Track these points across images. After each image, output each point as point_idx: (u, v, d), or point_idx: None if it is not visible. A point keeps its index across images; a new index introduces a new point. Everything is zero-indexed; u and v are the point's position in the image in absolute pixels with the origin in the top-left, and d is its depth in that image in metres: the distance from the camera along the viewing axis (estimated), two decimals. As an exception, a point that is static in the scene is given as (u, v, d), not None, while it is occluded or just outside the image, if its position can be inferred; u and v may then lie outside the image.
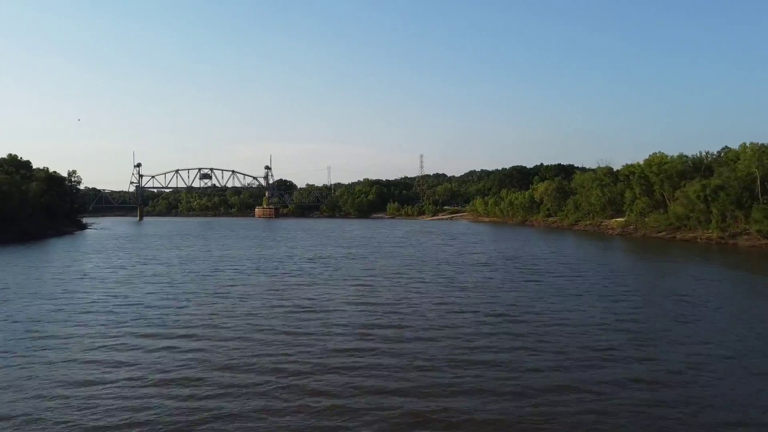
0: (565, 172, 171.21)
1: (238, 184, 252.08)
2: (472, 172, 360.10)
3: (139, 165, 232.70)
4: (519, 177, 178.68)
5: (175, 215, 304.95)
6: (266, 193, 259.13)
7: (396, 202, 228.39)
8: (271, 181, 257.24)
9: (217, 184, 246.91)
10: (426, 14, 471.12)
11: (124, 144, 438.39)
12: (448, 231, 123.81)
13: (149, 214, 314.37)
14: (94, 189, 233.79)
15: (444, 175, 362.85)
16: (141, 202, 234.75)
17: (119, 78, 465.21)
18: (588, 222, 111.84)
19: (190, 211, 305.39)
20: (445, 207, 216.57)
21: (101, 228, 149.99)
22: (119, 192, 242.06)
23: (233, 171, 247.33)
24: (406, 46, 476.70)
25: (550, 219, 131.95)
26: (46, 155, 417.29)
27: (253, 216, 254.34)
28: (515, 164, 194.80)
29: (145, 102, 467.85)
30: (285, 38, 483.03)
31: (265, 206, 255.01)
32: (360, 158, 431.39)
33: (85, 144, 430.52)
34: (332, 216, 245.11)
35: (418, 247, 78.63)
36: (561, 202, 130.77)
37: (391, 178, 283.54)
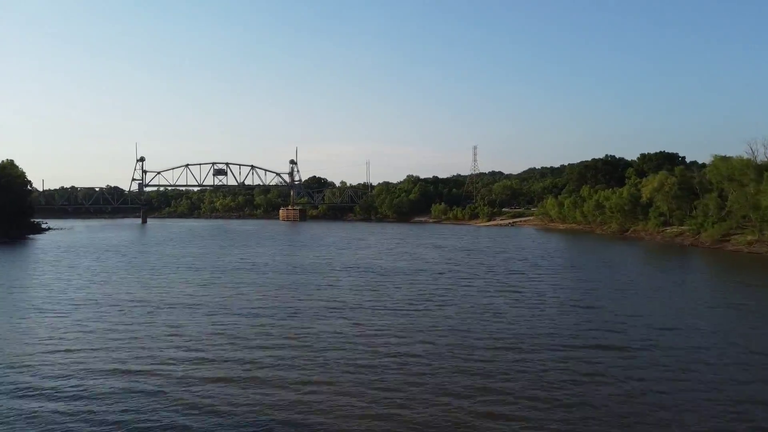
0: (671, 161, 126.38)
1: (258, 182, 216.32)
2: (531, 170, 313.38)
3: (142, 159, 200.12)
4: (607, 170, 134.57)
5: (198, 217, 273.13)
6: (291, 192, 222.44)
7: (443, 203, 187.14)
8: (297, 178, 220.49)
9: (234, 182, 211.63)
10: (477, 8, 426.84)
11: (125, 137, 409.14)
12: (512, 247, 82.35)
13: (170, 215, 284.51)
14: (90, 188, 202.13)
15: (500, 173, 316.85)
16: (144, 202, 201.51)
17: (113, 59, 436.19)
18: (751, 237, 68.27)
19: (213, 212, 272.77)
20: (503, 209, 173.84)
21: (67, 230, 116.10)
22: (119, 190, 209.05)
23: (252, 166, 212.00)
24: (455, 41, 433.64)
25: (669, 230, 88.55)
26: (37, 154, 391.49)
27: (279, 218, 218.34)
28: (573, 161, 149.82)
29: (145, 90, 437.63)
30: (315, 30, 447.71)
31: (289, 207, 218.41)
32: (406, 158, 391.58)
33: (78, 139, 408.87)
34: (367, 219, 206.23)
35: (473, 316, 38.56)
36: (685, 203, 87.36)
37: (442, 176, 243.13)
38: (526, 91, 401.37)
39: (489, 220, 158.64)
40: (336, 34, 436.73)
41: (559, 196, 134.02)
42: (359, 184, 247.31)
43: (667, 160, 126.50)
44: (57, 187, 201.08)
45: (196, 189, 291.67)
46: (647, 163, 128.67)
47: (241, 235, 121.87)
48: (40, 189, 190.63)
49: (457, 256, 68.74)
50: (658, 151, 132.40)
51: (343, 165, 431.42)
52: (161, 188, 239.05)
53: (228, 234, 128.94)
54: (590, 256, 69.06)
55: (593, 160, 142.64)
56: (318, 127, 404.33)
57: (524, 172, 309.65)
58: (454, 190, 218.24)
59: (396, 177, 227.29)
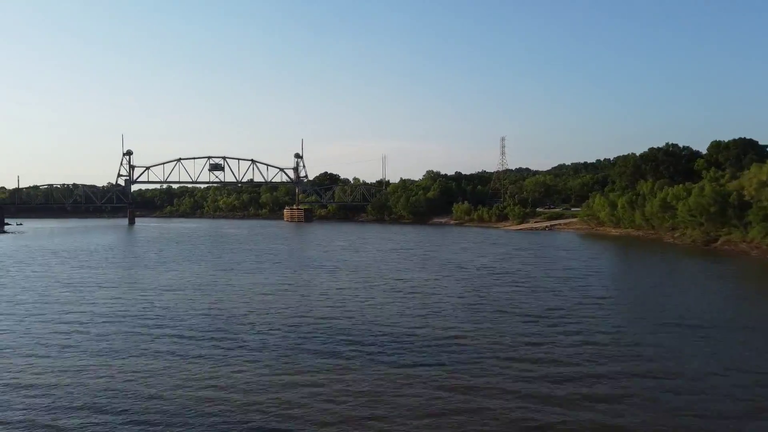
0: (754, 150, 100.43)
1: (259, 178, 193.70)
2: (561, 166, 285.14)
3: (129, 153, 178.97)
4: (670, 161, 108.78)
5: (200, 216, 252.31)
6: (297, 190, 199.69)
7: (466, 202, 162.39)
8: (303, 174, 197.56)
9: (232, 178, 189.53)
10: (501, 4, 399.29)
11: (111, 128, 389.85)
12: (563, 268, 58.14)
13: (173, 214, 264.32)
14: (72, 185, 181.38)
15: (527, 170, 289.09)
16: (131, 201, 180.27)
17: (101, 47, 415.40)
18: None
19: (217, 212, 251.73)
20: (537, 209, 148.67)
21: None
22: (104, 188, 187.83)
23: (252, 160, 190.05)
24: (478, 36, 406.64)
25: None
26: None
27: (283, 219, 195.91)
28: (610, 155, 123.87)
29: (132, 80, 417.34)
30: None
31: (295, 207, 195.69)
32: (427, 154, 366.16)
33: (62, 131, 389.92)
34: (380, 220, 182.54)
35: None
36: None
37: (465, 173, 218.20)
38: (552, 85, 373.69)
39: (521, 223, 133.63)
40: (355, 29, 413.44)
41: (610, 194, 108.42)
42: (375, 181, 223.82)
43: (749, 148, 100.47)
44: (32, 185, 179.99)
45: (189, 186, 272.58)
46: (722, 152, 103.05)
47: (220, 243, 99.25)
48: (13, 186, 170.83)
49: (489, 290, 44.70)
50: (734, 138, 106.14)
51: (359, 162, 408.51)
52: (150, 185, 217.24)
53: (211, 240, 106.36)
54: (713, 291, 44.43)
55: (651, 149, 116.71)
56: (331, 122, 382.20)
57: (554, 168, 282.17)
58: (479, 187, 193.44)
59: (417, 175, 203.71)
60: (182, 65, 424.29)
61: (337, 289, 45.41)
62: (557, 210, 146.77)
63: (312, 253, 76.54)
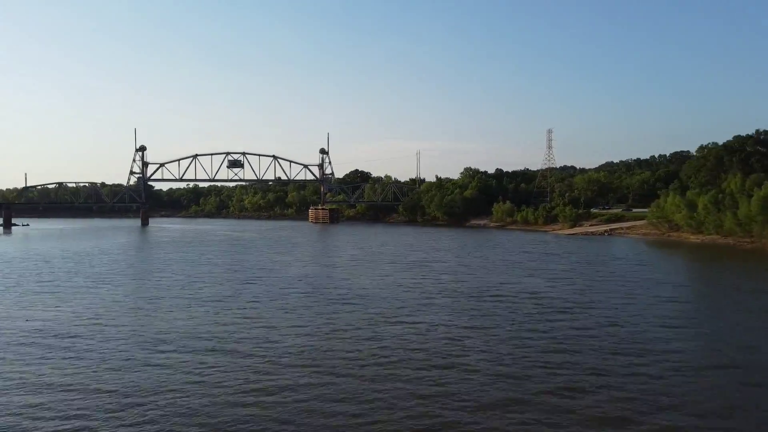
0: None
1: (280, 175, 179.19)
2: (609, 164, 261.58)
3: (142, 149, 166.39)
4: (763, 152, 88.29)
5: (226, 216, 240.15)
6: (322, 189, 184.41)
7: (507, 201, 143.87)
8: (328, 171, 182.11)
9: (253, 175, 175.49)
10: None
11: (125, 123, 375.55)
12: (653, 299, 39.73)
13: (198, 214, 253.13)
14: (87, 183, 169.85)
15: (573, 168, 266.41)
16: (144, 200, 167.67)
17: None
18: None
19: (242, 212, 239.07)
20: (592, 209, 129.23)
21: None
22: (114, 186, 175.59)
23: (274, 156, 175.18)
24: (520, 33, 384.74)
25: None
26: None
27: (308, 220, 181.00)
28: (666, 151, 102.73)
29: (147, 71, 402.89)
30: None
31: (320, 207, 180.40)
32: (465, 154, 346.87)
33: (73, 126, 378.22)
34: (412, 221, 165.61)
35: None
36: None
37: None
38: (597, 80, 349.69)
39: (573, 226, 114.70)
40: (390, 27, 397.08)
41: (688, 193, 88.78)
42: (408, 180, 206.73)
43: None
44: (40, 184, 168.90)
45: (218, 184, 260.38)
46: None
47: (256, 250, 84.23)
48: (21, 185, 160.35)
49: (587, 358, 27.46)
50: None
51: (394, 160, 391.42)
52: (166, 183, 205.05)
53: (201, 246, 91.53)
54: None
55: (738, 138, 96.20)
56: (363, 122, 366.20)
57: (601, 166, 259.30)
58: (522, 185, 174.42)
59: (455, 175, 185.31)
60: (200, 59, 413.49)
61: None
62: (615, 211, 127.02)
63: (294, 271, 60.28)
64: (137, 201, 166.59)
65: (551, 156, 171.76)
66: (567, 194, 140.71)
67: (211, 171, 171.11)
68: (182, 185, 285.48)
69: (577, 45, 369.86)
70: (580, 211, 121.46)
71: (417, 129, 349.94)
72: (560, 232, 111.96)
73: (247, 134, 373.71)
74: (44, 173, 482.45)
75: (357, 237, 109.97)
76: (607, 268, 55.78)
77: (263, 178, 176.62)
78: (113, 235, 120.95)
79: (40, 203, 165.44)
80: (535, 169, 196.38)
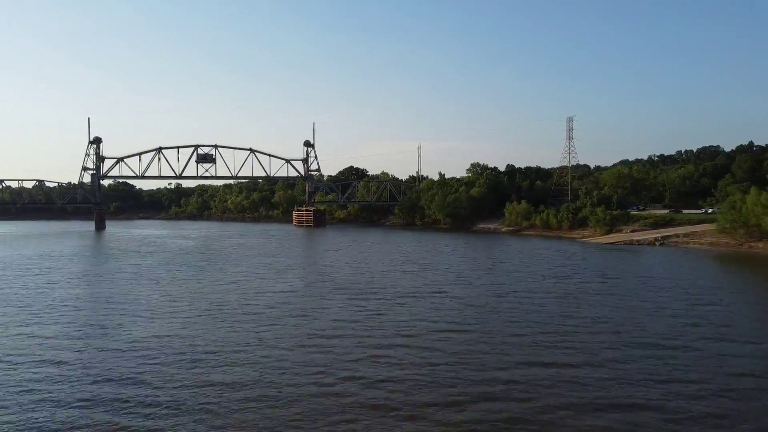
0: None
1: (259, 172, 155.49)
2: (624, 162, 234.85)
3: (96, 141, 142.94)
4: None
5: (208, 218, 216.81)
6: (306, 187, 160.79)
7: (523, 201, 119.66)
8: (314, 167, 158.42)
9: (226, 171, 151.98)
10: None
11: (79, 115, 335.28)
12: None
13: (179, 216, 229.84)
14: (38, 181, 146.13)
15: (586, 166, 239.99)
16: (98, 200, 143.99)
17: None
18: None
19: (225, 213, 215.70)
20: (629, 211, 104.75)
21: None
22: (61, 185, 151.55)
23: (251, 150, 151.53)
24: (521, 28, 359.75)
25: None
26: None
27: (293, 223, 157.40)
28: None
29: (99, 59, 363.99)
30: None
31: (304, 208, 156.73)
32: (471, 154, 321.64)
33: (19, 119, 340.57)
34: (410, 224, 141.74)
35: None
36: None
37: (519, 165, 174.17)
38: (608, 77, 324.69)
39: (608, 232, 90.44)
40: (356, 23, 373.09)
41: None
42: (407, 177, 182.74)
43: None
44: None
45: (170, 183, 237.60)
46: None
47: (197, 269, 60.79)
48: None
49: None
50: None
51: (395, 154, 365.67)
52: (120, 180, 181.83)
53: (113, 261, 68.13)
54: None
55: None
56: (360, 121, 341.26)
57: (617, 164, 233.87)
58: (538, 182, 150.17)
59: (461, 174, 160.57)
60: (163, 36, 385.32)
61: None
62: (660, 212, 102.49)
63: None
64: (91, 201, 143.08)
65: (572, 148, 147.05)
66: (595, 192, 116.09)
67: (178, 167, 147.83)
68: (161, 184, 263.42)
69: (573, 43, 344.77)
70: (615, 213, 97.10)
71: (420, 129, 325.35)
72: (592, 239, 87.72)
73: (219, 125, 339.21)
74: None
75: (334, 246, 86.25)
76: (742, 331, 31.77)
77: (238, 174, 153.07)
78: (40, 242, 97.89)
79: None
80: (549, 167, 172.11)
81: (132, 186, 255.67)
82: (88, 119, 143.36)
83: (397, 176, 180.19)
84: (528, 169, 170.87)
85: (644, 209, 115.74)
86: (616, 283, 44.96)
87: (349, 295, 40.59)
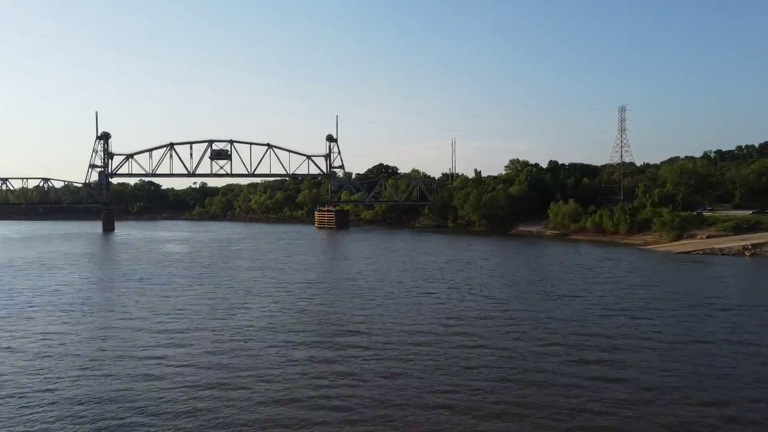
0: None
1: (278, 169, 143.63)
2: (674, 159, 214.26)
3: (105, 137, 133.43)
4: None
5: (231, 218, 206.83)
6: (329, 186, 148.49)
7: (570, 200, 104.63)
8: (337, 164, 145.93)
9: (243, 169, 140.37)
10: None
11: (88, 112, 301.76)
12: None
13: (203, 216, 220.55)
14: (44, 180, 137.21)
15: (633, 164, 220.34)
16: (107, 199, 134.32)
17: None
18: None
19: (249, 213, 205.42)
20: (701, 211, 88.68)
21: None
22: (69, 185, 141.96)
23: (269, 144, 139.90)
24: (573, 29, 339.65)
25: None
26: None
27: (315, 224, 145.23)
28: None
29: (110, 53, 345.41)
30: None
31: (326, 208, 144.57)
32: (510, 154, 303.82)
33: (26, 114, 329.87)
34: (441, 225, 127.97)
35: None
36: None
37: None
38: (651, 71, 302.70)
39: (678, 237, 75.00)
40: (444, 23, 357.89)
41: None
42: (442, 175, 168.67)
43: None
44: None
45: (196, 182, 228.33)
46: None
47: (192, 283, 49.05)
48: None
49: None
50: None
51: (427, 158, 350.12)
52: (133, 178, 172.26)
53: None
54: None
55: None
56: (394, 122, 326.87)
57: (665, 162, 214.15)
58: (585, 180, 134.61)
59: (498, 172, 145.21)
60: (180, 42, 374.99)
61: None
62: (738, 213, 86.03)
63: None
64: (98, 201, 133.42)
65: (625, 141, 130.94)
66: (656, 191, 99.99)
67: (191, 164, 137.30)
68: (189, 182, 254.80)
69: (615, 35, 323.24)
70: (684, 214, 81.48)
71: (456, 126, 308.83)
72: (659, 247, 72.47)
73: (234, 119, 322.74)
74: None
75: (350, 253, 73.45)
76: None
77: (255, 172, 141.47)
78: (44, 244, 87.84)
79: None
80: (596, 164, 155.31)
81: (158, 186, 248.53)
82: (96, 113, 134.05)
83: (428, 174, 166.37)
84: (573, 165, 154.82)
85: (712, 209, 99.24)
86: (741, 322, 30.67)
87: (334, 348, 27.50)
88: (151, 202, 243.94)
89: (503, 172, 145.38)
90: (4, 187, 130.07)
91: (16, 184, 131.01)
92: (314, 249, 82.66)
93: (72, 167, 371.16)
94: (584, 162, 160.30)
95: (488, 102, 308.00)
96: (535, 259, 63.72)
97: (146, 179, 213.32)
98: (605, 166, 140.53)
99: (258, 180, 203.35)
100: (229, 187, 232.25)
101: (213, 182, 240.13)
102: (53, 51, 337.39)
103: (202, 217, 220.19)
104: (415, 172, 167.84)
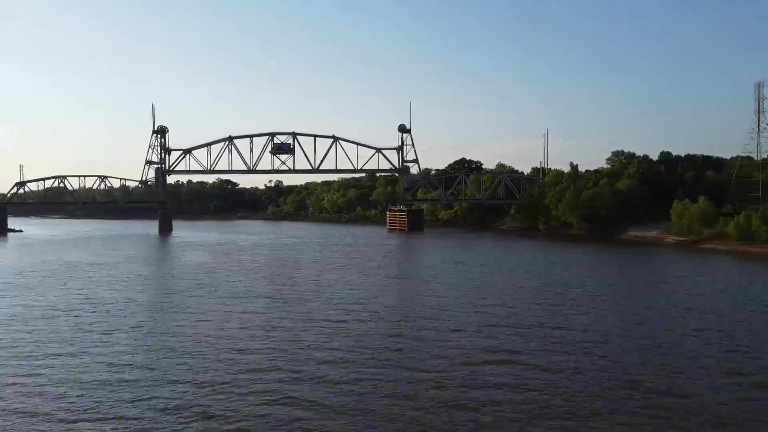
0: None
1: (345, 164, 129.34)
2: None
3: (162, 131, 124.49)
4: None
5: (304, 218, 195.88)
6: (402, 182, 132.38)
7: (701, 198, 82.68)
8: (411, 157, 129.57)
9: (307, 164, 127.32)
10: None
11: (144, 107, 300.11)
12: None
13: (275, 216, 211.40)
14: (101, 178, 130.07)
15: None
16: (163, 198, 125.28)
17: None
18: None
19: (322, 212, 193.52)
20: None
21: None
22: (124, 183, 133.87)
23: (334, 137, 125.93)
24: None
25: None
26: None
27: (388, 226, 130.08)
28: None
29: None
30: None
31: (398, 208, 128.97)
32: (608, 148, 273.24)
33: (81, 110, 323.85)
34: (531, 228, 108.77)
35: None
36: None
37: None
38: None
39: None
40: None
41: None
42: (532, 170, 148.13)
43: None
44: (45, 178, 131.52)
45: (271, 181, 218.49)
46: None
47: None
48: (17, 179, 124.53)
49: None
50: None
51: (513, 156, 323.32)
52: (190, 175, 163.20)
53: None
54: None
55: None
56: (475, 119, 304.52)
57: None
58: (708, 173, 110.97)
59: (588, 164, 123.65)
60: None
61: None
62: None
63: None
64: (157, 200, 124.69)
65: (763, 122, 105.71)
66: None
67: (251, 158, 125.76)
68: (264, 180, 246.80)
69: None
70: None
71: (547, 119, 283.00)
72: None
73: (296, 109, 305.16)
74: (44, 165, 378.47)
75: (412, 272, 57.40)
76: None
77: (320, 167, 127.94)
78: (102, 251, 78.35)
79: (34, 202, 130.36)
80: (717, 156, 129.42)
81: (235, 184, 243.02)
82: (152, 106, 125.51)
83: (516, 169, 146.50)
84: (689, 156, 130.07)
85: None
86: None
87: None
88: (227, 201, 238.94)
89: (604, 166, 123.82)
90: (61, 185, 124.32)
91: (74, 183, 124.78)
92: (368, 263, 66.84)
93: (132, 163, 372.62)
94: (703, 153, 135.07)
95: (583, 93, 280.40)
96: (665, 284, 44.70)
97: (223, 176, 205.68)
98: (736, 158, 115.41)
99: (330, 177, 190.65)
100: (304, 186, 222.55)
101: (287, 180, 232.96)
102: (109, 45, 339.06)
103: (275, 217, 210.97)
104: (501, 166, 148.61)
